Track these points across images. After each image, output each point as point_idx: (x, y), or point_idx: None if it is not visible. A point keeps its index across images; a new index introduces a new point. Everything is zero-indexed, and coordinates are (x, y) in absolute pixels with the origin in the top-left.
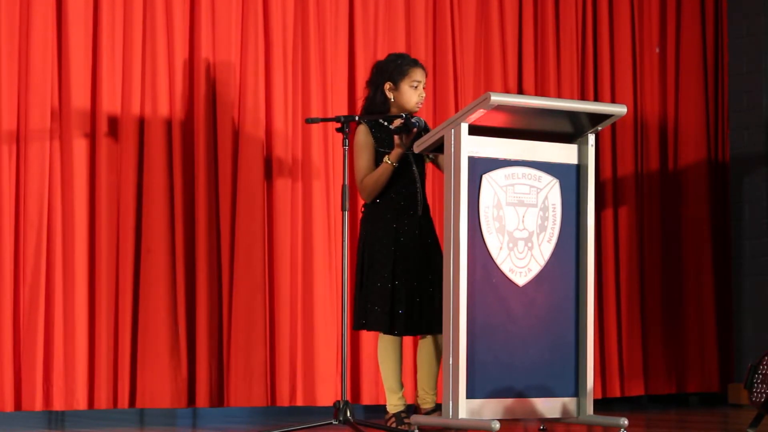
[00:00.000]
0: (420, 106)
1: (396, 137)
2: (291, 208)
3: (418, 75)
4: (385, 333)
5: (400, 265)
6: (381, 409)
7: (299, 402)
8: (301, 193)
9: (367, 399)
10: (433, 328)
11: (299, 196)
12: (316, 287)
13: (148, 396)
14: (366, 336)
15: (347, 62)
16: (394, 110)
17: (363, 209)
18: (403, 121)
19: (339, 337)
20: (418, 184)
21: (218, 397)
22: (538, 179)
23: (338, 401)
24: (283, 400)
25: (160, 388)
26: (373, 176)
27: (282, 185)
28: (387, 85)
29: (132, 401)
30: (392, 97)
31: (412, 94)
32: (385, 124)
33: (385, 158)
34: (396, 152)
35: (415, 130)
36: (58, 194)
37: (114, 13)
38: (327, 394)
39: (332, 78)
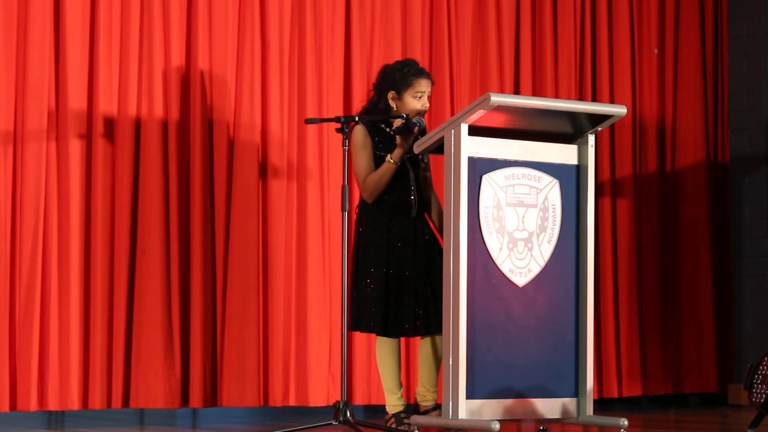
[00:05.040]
0: (422, 115)
1: (397, 137)
2: (286, 210)
3: (422, 86)
4: (378, 335)
5: (394, 266)
6: (372, 409)
7: (292, 402)
8: (296, 194)
9: (359, 399)
10: (429, 330)
11: (294, 198)
12: (309, 288)
13: (142, 396)
14: (358, 337)
15: (343, 64)
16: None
17: (357, 211)
18: (403, 120)
19: (331, 338)
20: (413, 187)
21: (212, 397)
22: (538, 180)
23: (338, 401)
24: (276, 401)
25: (154, 388)
26: (376, 175)
27: (277, 186)
28: (390, 94)
29: (126, 401)
30: (394, 106)
31: (414, 104)
32: (384, 126)
33: (388, 157)
34: (397, 152)
35: (416, 129)
36: (54, 195)
37: (111, 15)
38: (319, 394)
39: (328, 79)
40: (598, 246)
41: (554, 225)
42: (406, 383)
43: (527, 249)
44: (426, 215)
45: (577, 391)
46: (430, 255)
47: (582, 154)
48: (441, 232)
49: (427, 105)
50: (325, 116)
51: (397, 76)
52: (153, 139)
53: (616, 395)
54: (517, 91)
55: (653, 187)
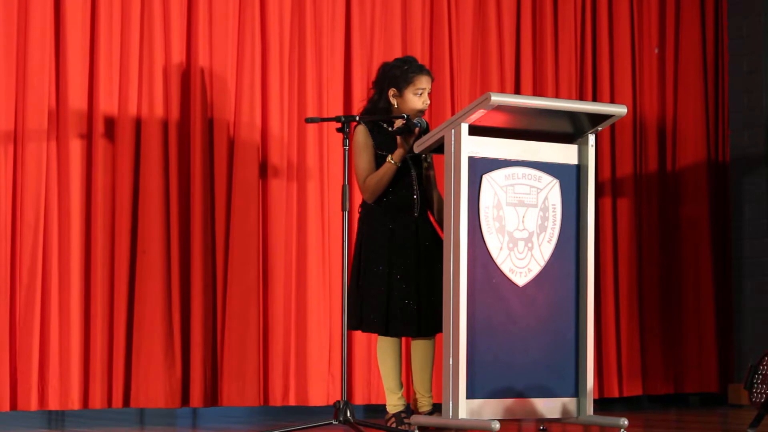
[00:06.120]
0: (423, 112)
1: (398, 137)
2: (286, 209)
3: (423, 82)
4: (380, 334)
5: (396, 266)
6: (373, 408)
7: (291, 402)
8: (296, 194)
9: (359, 399)
10: (429, 329)
11: (294, 197)
12: (309, 288)
13: (143, 396)
14: (358, 337)
15: (343, 63)
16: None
17: (360, 210)
18: (404, 121)
19: (331, 338)
20: (415, 187)
21: (212, 397)
22: (538, 179)
23: (338, 401)
24: (276, 400)
25: (155, 388)
26: (376, 176)
27: (277, 186)
28: (391, 92)
29: (126, 401)
30: (396, 104)
31: (416, 101)
32: (385, 126)
33: (388, 158)
34: (398, 152)
35: (417, 130)
36: (54, 195)
37: (111, 15)
38: (319, 394)
39: (328, 78)
40: (598, 246)
41: (554, 225)
42: (407, 383)
43: (527, 249)
44: (429, 213)
45: (577, 391)
46: (432, 255)
47: (582, 154)
48: (441, 225)
49: (428, 102)
50: (325, 116)
51: (398, 73)
52: (153, 138)
53: (616, 395)
54: (517, 91)
55: (653, 187)
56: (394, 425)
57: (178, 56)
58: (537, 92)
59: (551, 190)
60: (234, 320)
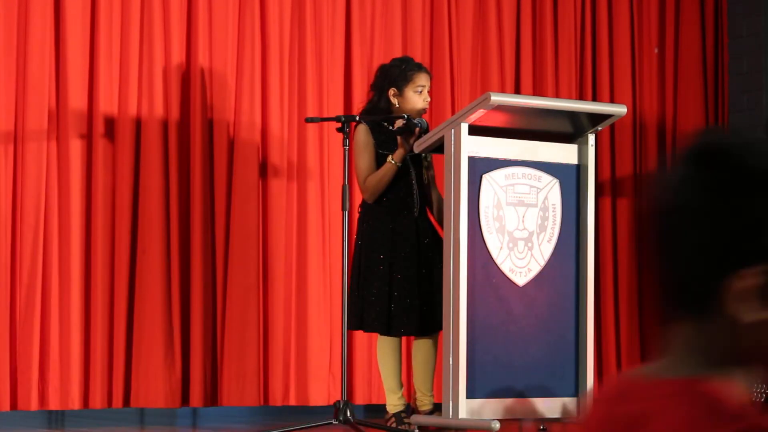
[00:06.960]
0: (425, 111)
1: (398, 138)
2: (286, 209)
3: (422, 80)
4: (382, 334)
5: (396, 266)
6: (373, 408)
7: (292, 401)
8: (296, 194)
9: (360, 399)
10: (430, 329)
11: (294, 197)
12: (309, 288)
13: (143, 396)
14: (359, 336)
15: (344, 63)
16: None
17: (360, 210)
18: (405, 121)
19: (332, 338)
20: (415, 186)
21: (212, 397)
22: (538, 179)
23: (338, 401)
24: (276, 400)
25: (155, 387)
26: (377, 176)
27: (277, 186)
28: (391, 91)
29: (126, 401)
30: (396, 103)
31: (416, 99)
32: (386, 125)
33: (389, 158)
34: (399, 152)
35: (417, 130)
36: (54, 195)
37: (111, 15)
38: (320, 393)
39: (328, 78)
40: (598, 246)
41: (554, 224)
42: (407, 383)
43: (527, 248)
44: (429, 213)
45: (577, 391)
46: (432, 254)
47: (582, 154)
48: (441, 225)
49: (428, 99)
50: (326, 116)
51: (397, 72)
52: (153, 138)
53: None
54: (517, 91)
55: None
56: (394, 425)
57: (178, 56)
58: (537, 92)
59: (551, 189)
60: (234, 320)
